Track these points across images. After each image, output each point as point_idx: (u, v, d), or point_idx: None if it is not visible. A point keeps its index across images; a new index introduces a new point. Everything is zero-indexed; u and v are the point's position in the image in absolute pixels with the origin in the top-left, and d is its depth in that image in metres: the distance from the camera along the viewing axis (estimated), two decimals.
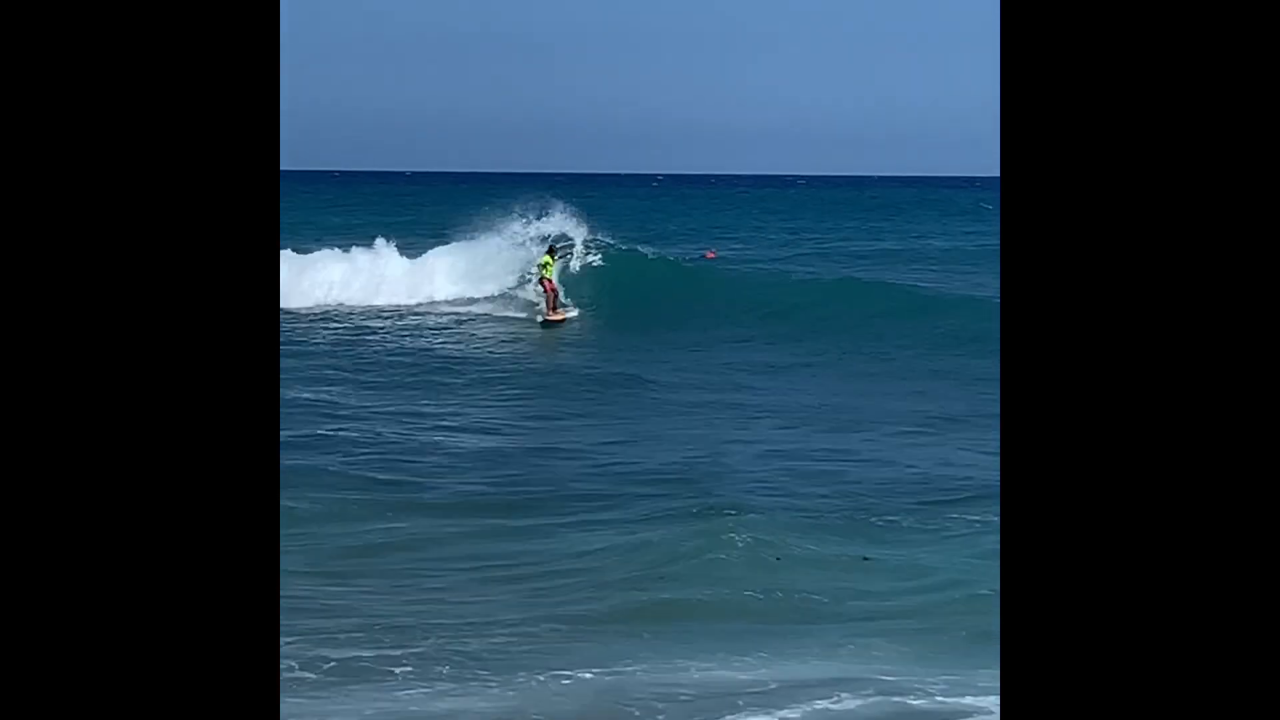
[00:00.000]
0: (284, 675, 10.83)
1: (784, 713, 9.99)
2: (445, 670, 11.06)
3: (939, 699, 10.10)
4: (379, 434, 20.50)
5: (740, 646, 11.49)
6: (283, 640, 11.06)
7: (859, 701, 10.07)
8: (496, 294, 37.33)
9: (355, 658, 11.39)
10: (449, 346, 31.27)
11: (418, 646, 11.56)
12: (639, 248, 42.02)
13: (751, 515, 15.02)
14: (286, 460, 17.98)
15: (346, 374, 26.99)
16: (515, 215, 39.00)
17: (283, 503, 15.83)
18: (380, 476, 17.78)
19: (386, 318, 36.17)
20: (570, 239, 38.03)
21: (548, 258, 34.70)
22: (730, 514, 14.97)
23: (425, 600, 12.98)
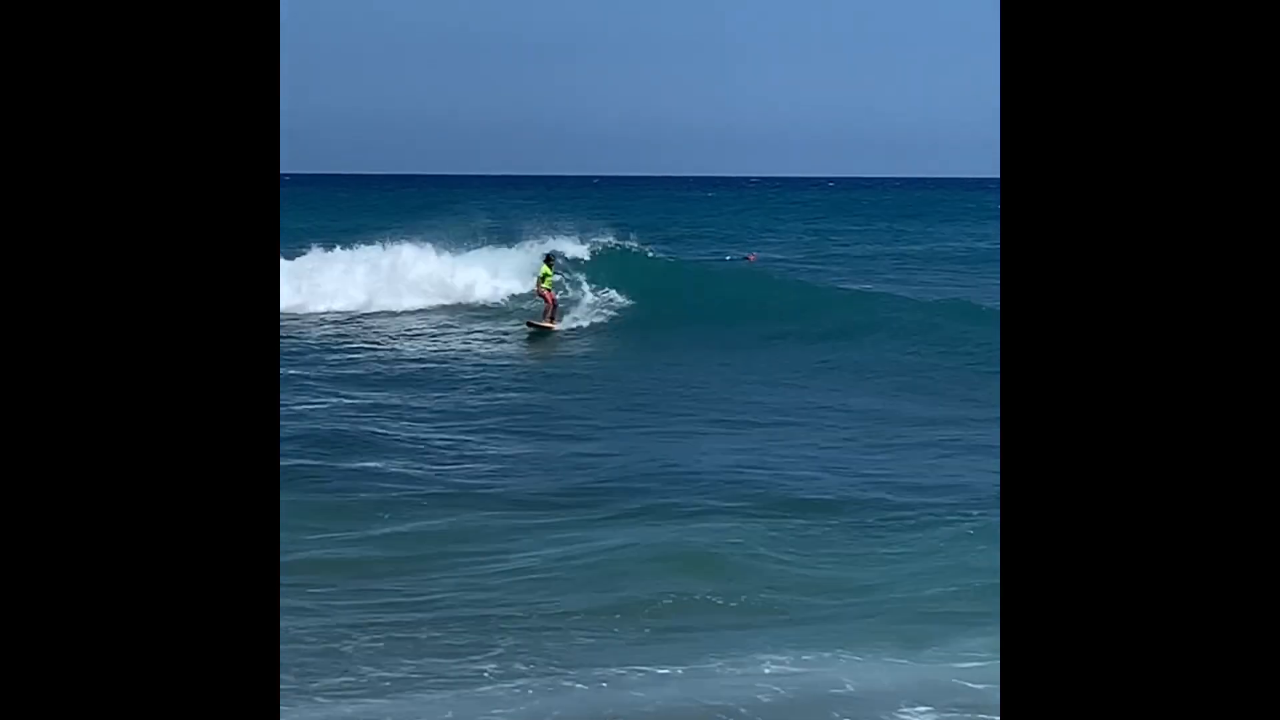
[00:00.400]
0: (360, 677, 11.06)
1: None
2: (524, 667, 11.12)
3: None
4: (415, 437, 20.67)
5: (810, 643, 11.58)
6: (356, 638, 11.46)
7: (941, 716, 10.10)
8: (506, 299, 37.32)
9: (436, 655, 11.47)
10: (473, 351, 31.26)
11: (496, 646, 11.63)
12: (674, 251, 41.85)
13: (800, 518, 15.16)
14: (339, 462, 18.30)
15: (348, 376, 27.13)
16: (542, 220, 39.14)
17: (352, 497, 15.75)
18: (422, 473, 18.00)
19: (394, 319, 36.25)
20: (560, 253, 37.71)
21: (546, 268, 34.44)
22: (783, 516, 15.11)
23: (496, 596, 13.05)
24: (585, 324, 34.57)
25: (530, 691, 10.68)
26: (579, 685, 10.76)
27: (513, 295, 37.25)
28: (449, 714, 10.23)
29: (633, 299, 36.00)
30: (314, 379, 26.36)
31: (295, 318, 35.73)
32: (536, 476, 18.03)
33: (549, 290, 34.15)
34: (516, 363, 30.02)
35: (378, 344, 32.22)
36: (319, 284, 38.59)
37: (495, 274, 38.15)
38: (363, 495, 16.80)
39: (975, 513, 15.22)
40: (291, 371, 26.32)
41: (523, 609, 12.60)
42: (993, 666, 8.27)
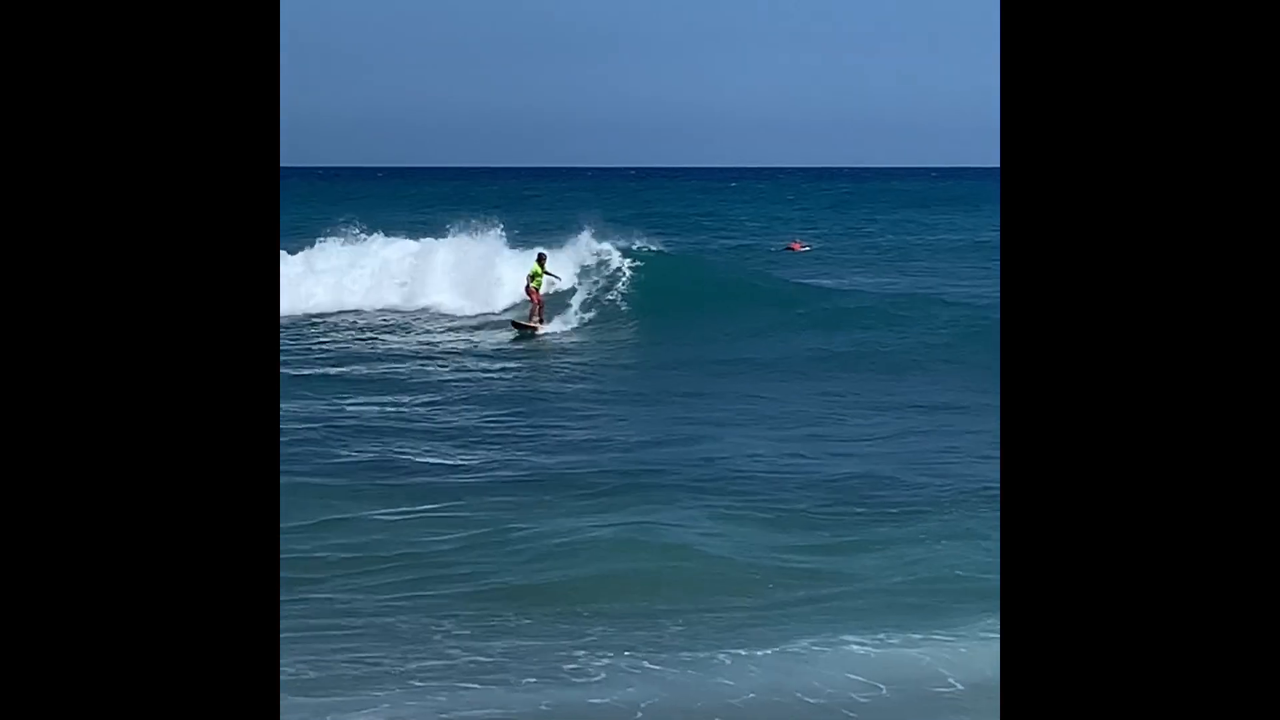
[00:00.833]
0: (445, 662, 11.05)
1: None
2: (612, 652, 11.15)
3: None
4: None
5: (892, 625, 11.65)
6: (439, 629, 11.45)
7: None
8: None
9: (525, 638, 11.52)
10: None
11: (585, 632, 11.68)
12: (711, 241, 41.27)
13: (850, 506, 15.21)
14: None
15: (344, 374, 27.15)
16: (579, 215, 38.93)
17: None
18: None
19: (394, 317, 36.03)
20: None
21: (536, 267, 33.86)
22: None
23: (573, 580, 13.09)
24: (573, 325, 33.91)
25: (620, 676, 10.70)
26: (670, 671, 10.77)
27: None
28: (544, 703, 10.23)
29: (631, 296, 35.39)
30: (364, 375, 26.41)
31: (324, 316, 35.65)
32: (592, 462, 18.18)
33: (536, 290, 33.60)
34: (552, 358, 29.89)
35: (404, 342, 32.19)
36: (344, 280, 38.39)
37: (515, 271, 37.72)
38: (418, 481, 17.03)
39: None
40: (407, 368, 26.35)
41: (604, 593, 12.63)
42: None
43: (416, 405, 23.38)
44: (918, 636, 11.38)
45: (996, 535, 13.17)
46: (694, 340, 30.44)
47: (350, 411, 22.56)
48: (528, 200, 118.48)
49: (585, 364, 28.89)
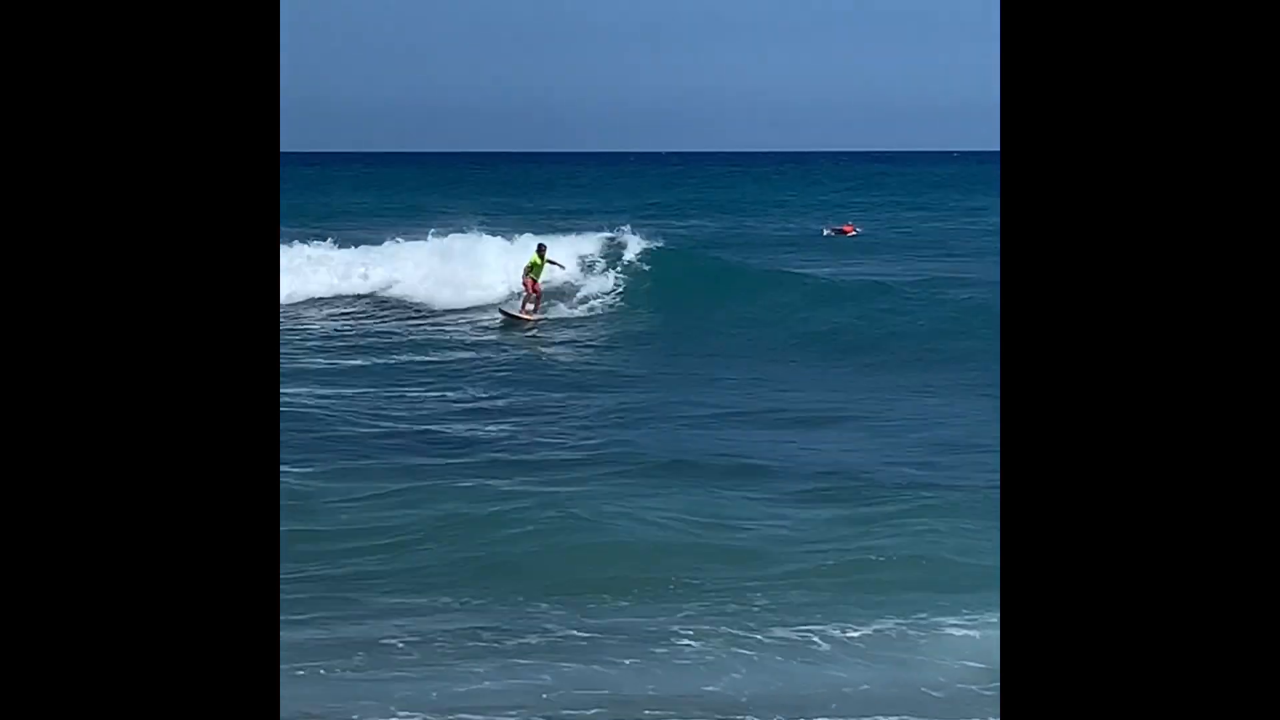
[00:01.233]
0: (542, 639, 11.06)
1: None
2: (708, 627, 11.13)
3: None
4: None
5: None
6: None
7: None
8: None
9: (623, 617, 11.53)
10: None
11: (685, 609, 11.66)
12: (762, 226, 40.51)
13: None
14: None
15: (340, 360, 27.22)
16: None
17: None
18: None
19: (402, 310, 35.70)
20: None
21: (535, 258, 33.31)
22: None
23: (662, 559, 13.08)
24: (578, 312, 33.43)
25: (721, 659, 10.64)
26: (772, 656, 10.69)
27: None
28: (650, 686, 10.17)
29: (635, 288, 34.89)
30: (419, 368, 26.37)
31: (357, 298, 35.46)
32: (648, 445, 18.26)
33: (533, 279, 33.01)
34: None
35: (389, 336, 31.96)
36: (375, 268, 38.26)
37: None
38: (493, 458, 17.22)
39: None
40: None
41: (693, 573, 12.60)
42: None
43: (445, 387, 23.48)
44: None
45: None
46: (707, 329, 30.20)
47: (411, 396, 22.65)
48: (573, 185, 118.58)
49: (597, 349, 28.81)
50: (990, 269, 38.54)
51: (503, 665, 10.57)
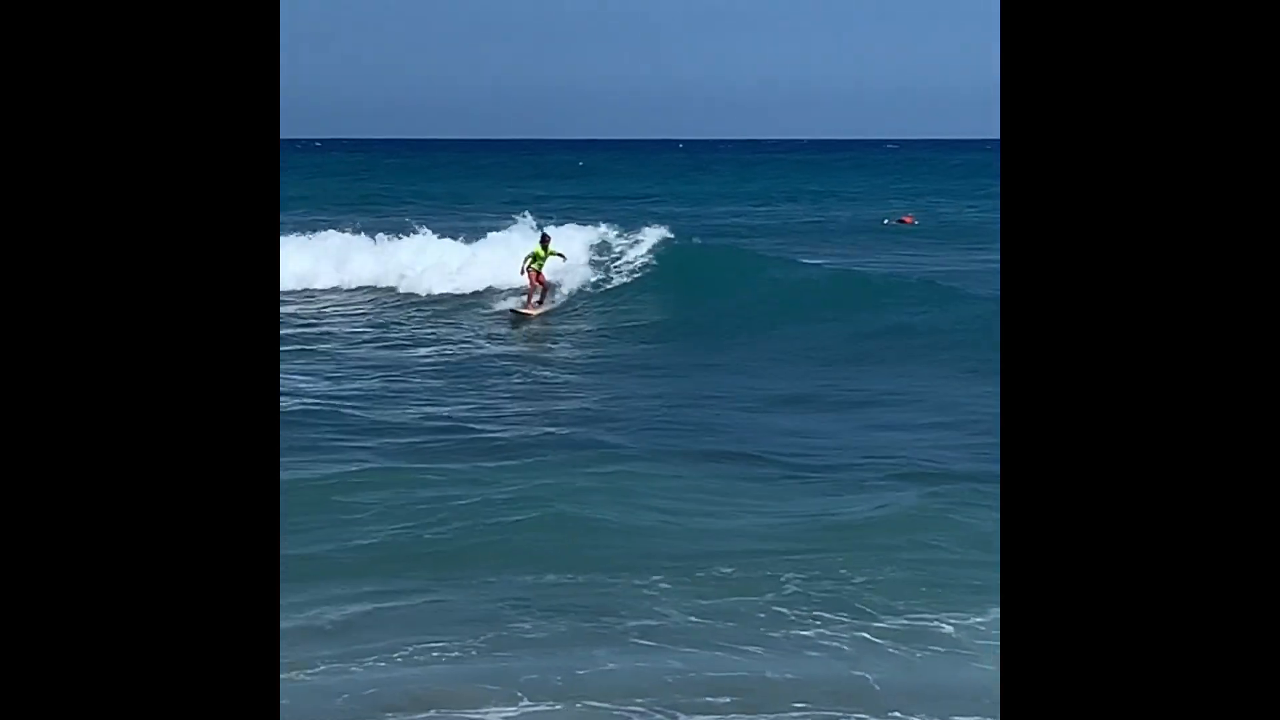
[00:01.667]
0: (664, 619, 11.13)
1: None
2: (821, 622, 11.11)
3: None
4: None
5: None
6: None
7: None
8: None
9: (729, 595, 11.52)
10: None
11: (785, 586, 11.69)
12: (823, 214, 39.74)
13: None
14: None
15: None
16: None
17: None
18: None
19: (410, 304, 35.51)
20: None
21: (539, 249, 32.46)
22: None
23: (765, 543, 13.15)
24: (585, 307, 32.91)
25: (844, 648, 10.62)
26: (894, 650, 10.62)
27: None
28: (767, 670, 10.14)
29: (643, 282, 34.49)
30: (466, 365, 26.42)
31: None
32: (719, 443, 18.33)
33: (537, 271, 32.28)
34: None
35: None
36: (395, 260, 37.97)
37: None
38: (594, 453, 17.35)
39: None
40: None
41: (793, 559, 12.63)
42: None
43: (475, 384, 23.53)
44: None
45: None
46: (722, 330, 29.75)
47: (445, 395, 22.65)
48: (662, 171, 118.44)
49: (622, 339, 28.73)
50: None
51: (622, 648, 10.56)
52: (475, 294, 35.02)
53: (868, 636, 10.83)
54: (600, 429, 19.04)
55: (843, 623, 11.07)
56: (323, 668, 10.35)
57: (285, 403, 19.75)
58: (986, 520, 13.31)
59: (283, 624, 11.01)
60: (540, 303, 32.39)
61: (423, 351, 27.80)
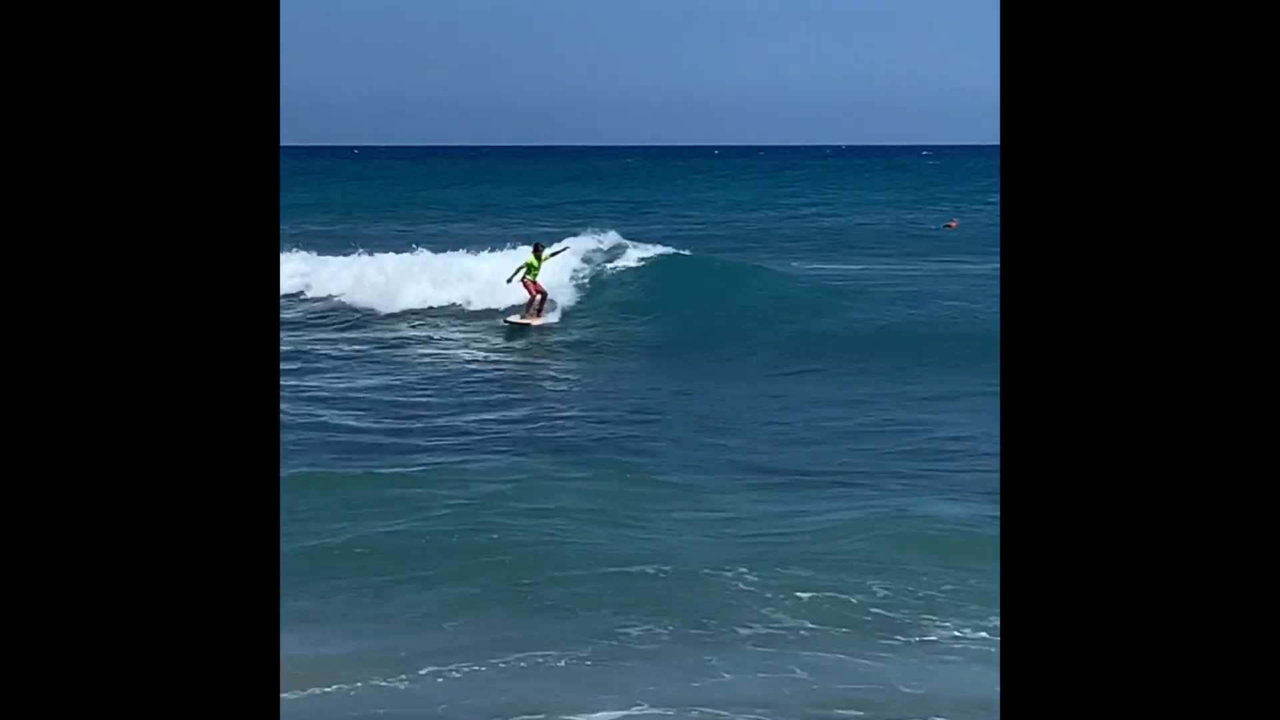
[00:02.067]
0: (774, 625, 10.96)
1: None
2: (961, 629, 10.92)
3: None
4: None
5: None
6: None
7: None
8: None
9: (820, 591, 11.43)
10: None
11: (872, 588, 11.54)
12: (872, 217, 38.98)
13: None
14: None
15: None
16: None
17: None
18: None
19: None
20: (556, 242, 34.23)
21: (532, 259, 31.71)
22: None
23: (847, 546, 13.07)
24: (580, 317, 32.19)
25: (966, 657, 10.41)
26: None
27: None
28: (904, 684, 9.82)
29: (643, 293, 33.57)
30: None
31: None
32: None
33: (532, 280, 31.54)
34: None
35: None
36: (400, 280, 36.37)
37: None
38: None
39: None
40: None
41: (876, 565, 12.52)
42: None
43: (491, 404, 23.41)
44: None
45: None
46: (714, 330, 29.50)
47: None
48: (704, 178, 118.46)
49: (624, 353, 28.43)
50: None
51: (737, 657, 10.34)
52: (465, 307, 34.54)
53: (983, 645, 10.62)
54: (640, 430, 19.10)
55: (953, 631, 10.92)
56: (425, 672, 10.22)
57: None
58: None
59: (371, 627, 11.12)
60: (540, 312, 31.79)
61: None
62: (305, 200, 74.63)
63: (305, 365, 26.26)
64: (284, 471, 15.66)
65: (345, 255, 38.39)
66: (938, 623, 11.08)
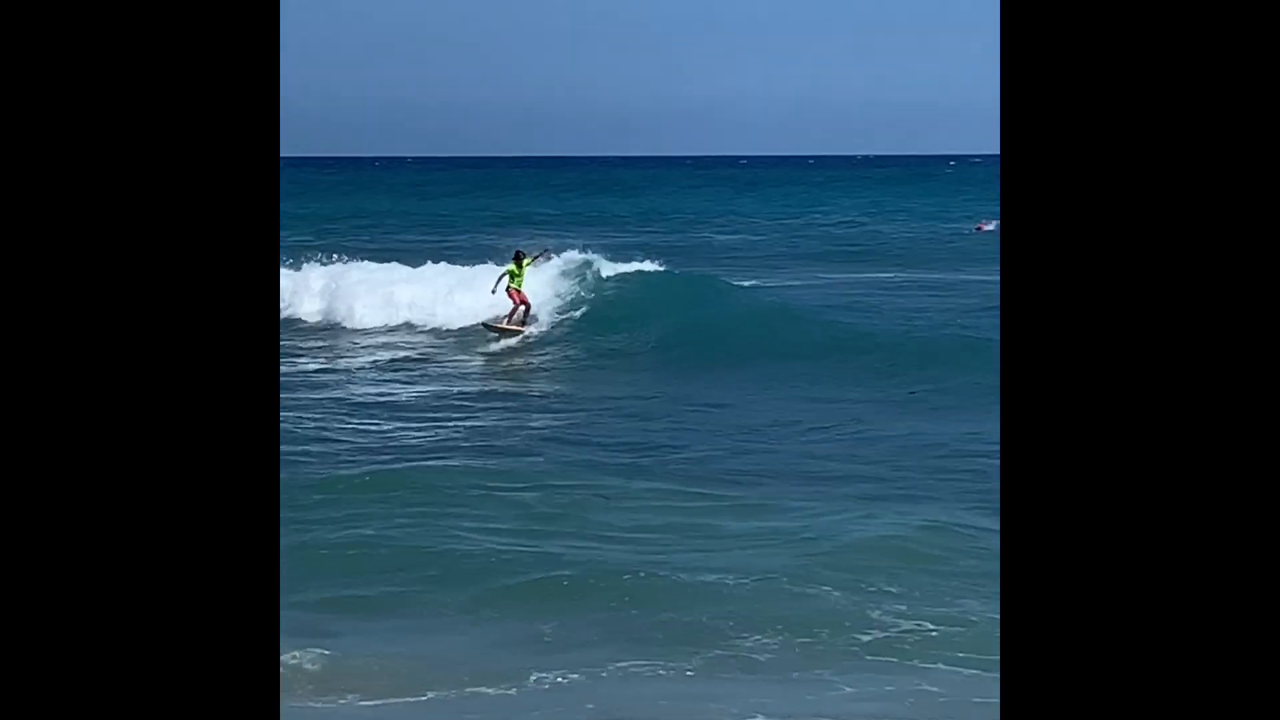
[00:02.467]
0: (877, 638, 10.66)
1: None
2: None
3: None
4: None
5: None
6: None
7: None
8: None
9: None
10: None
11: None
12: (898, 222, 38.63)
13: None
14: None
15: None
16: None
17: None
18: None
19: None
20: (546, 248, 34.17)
21: (514, 267, 31.40)
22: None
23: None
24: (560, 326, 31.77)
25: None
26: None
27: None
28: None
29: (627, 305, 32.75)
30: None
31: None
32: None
33: (516, 289, 31.26)
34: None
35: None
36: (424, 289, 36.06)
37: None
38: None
39: None
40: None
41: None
42: None
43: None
44: None
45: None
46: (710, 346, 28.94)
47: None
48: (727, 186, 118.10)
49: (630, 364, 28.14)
50: None
51: (856, 670, 10.12)
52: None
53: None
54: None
55: None
56: (533, 678, 10.11)
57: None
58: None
59: (469, 635, 11.08)
60: (524, 321, 31.50)
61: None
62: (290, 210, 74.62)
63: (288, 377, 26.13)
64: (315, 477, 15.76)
65: (325, 265, 38.07)
66: None
